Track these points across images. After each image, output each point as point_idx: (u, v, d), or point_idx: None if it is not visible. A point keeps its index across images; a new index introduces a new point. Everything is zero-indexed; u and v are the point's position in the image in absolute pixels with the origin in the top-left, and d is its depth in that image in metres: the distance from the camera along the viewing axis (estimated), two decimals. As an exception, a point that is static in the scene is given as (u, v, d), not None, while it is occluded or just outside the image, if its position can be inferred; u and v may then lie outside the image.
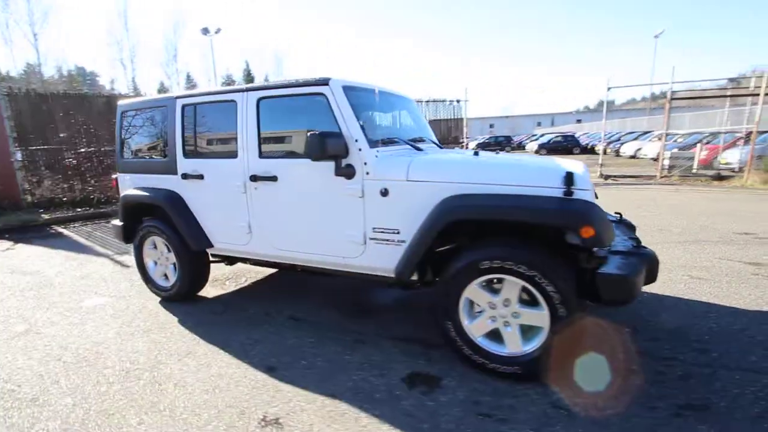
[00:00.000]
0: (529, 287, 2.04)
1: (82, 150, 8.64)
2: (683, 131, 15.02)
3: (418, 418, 1.94)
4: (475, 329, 2.25)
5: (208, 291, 3.72)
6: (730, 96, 11.52)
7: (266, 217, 2.92)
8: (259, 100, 2.84)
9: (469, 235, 2.39)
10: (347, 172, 2.51)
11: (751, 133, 11.26)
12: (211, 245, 3.26)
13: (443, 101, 13.86)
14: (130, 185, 3.60)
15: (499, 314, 2.18)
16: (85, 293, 3.85)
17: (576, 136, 27.08)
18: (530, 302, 2.12)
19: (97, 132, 8.83)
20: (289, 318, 3.12)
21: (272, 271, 4.24)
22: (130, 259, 4.93)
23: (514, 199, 2.07)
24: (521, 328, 2.16)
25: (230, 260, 3.51)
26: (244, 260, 3.37)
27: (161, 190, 3.36)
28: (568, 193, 2.06)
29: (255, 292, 3.74)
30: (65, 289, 3.97)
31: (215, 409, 2.07)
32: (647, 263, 2.10)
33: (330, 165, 2.55)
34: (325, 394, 2.15)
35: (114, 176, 3.84)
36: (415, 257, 2.30)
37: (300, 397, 2.13)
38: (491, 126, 56.25)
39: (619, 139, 23.17)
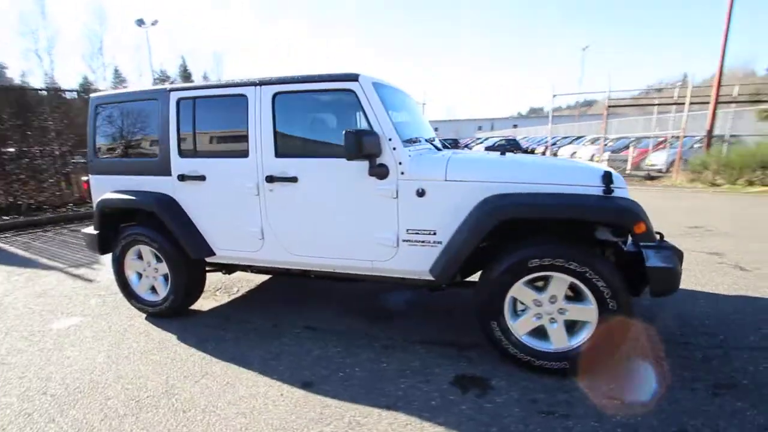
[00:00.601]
0: (578, 283, 2.10)
1: (11, 150, 7.53)
2: (613, 136, 16.60)
3: (482, 421, 1.91)
4: (520, 327, 2.27)
5: (201, 304, 3.39)
6: (658, 104, 12.91)
7: (283, 220, 2.72)
8: (275, 95, 2.64)
9: (499, 236, 2.38)
10: (380, 171, 2.41)
11: (671, 137, 12.71)
12: (212, 253, 2.97)
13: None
14: (107, 188, 3.18)
15: (545, 311, 2.22)
16: (50, 314, 3.33)
17: (517, 139, 28.76)
18: (575, 298, 2.18)
19: (27, 130, 7.74)
20: (305, 328, 2.94)
21: (265, 278, 3.99)
22: (91, 272, 4.41)
23: (570, 198, 2.12)
24: (566, 323, 2.21)
25: (229, 269, 3.23)
26: (247, 268, 3.12)
27: (151, 194, 3.00)
28: (608, 191, 2.15)
29: (254, 303, 3.48)
30: (22, 311, 3.40)
31: (262, 433, 1.87)
32: (678, 256, 2.26)
33: (359, 164, 2.43)
34: (379, 406, 2.04)
35: (85, 178, 3.37)
36: (461, 257, 2.26)
37: (353, 411, 2.00)
38: (436, 129, 57.87)
39: (555, 143, 24.96)
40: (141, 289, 3.23)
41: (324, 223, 2.64)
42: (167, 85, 2.96)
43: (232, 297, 3.60)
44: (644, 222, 2.00)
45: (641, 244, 2.07)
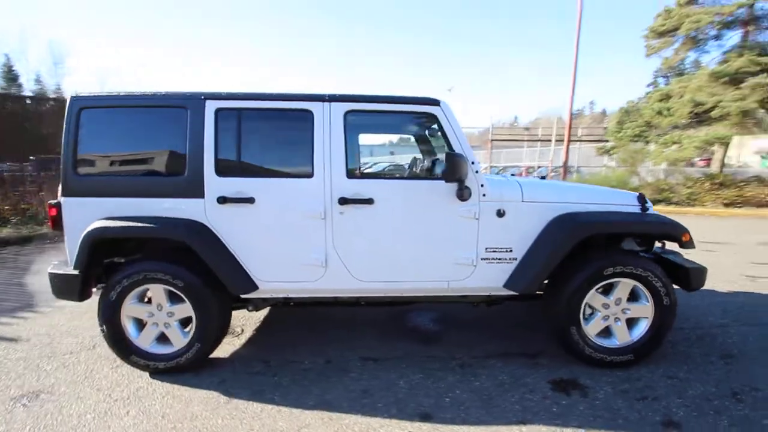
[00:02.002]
0: (640, 285, 2.52)
1: None
2: (502, 164, 19.45)
3: (606, 417, 2.12)
4: (591, 330, 2.58)
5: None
6: (540, 139, 15.65)
7: (354, 245, 2.54)
8: (346, 113, 2.50)
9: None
10: (465, 193, 2.50)
11: (537, 166, 15.51)
12: (255, 287, 2.56)
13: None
14: (93, 214, 2.47)
15: (611, 312, 2.58)
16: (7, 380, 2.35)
17: None
18: (632, 298, 2.60)
19: None
20: (364, 359, 2.74)
21: (262, 313, 3.52)
22: (21, 326, 3.26)
23: (637, 216, 2.55)
24: (627, 321, 2.61)
25: (260, 304, 2.80)
26: (287, 301, 2.77)
27: (178, 220, 2.45)
28: (644, 209, 2.68)
29: (277, 341, 3.06)
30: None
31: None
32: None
33: (442, 186, 2.50)
34: (512, 422, 2.07)
35: (54, 201, 2.55)
36: (548, 270, 2.49)
37: (502, 432, 2.00)
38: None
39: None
40: (145, 340, 2.55)
41: (401, 245, 2.57)
42: (200, 91, 2.51)
43: (244, 338, 3.10)
44: (689, 233, 2.54)
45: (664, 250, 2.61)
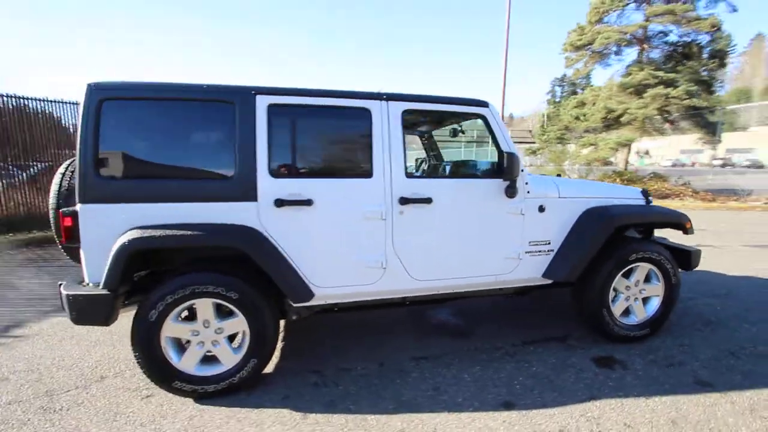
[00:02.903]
0: (654, 268, 2.90)
1: None
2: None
3: (650, 385, 2.40)
4: (617, 310, 2.90)
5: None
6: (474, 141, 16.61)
7: (413, 245, 2.53)
8: (403, 112, 2.49)
9: None
10: (513, 191, 2.64)
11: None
12: (312, 294, 2.42)
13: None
14: (122, 224, 2.14)
15: (631, 294, 2.92)
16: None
17: None
18: (647, 280, 2.97)
19: None
20: (417, 359, 2.74)
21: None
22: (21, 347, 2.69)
23: (653, 208, 2.91)
24: (642, 300, 2.97)
25: (303, 312, 2.65)
26: (332, 307, 2.67)
27: (230, 226, 2.22)
28: (648, 202, 3.08)
29: (314, 350, 2.90)
30: None
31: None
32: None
33: (495, 184, 2.62)
34: (585, 399, 2.26)
35: (68, 209, 2.13)
36: (588, 258, 2.73)
37: (584, 410, 2.16)
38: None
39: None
40: (189, 362, 2.27)
41: (456, 243, 2.62)
42: (249, 84, 2.29)
43: (276, 350, 2.90)
44: (690, 221, 2.98)
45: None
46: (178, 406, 2.23)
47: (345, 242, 2.44)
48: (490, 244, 2.69)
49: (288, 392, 2.36)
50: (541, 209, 2.75)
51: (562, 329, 3.18)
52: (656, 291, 2.97)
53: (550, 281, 2.85)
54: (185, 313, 2.32)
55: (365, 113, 2.43)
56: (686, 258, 3.04)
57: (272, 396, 2.33)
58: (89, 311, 2.12)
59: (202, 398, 2.28)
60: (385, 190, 2.45)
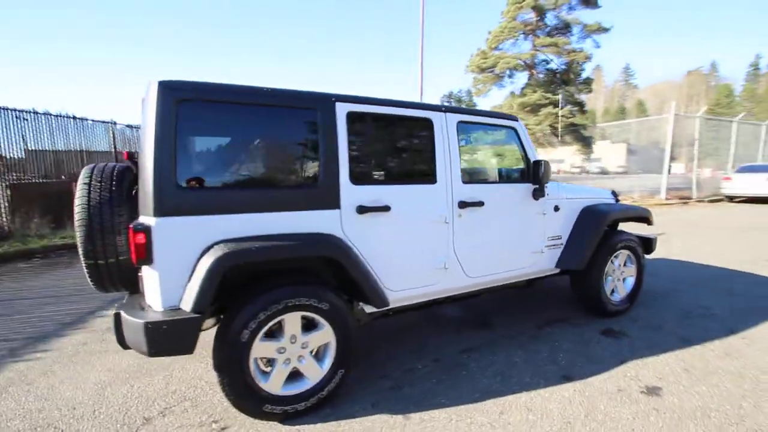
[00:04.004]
0: (630, 254, 3.59)
1: None
2: None
3: (653, 345, 2.99)
4: (608, 290, 3.51)
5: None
6: None
7: (469, 245, 2.75)
8: (458, 123, 2.71)
9: None
10: (540, 194, 3.05)
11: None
12: (388, 299, 2.47)
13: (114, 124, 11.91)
14: (206, 237, 1.94)
15: (616, 276, 3.57)
16: None
17: None
18: (625, 264, 3.65)
19: None
20: (466, 351, 2.95)
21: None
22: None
23: (631, 207, 3.57)
24: (622, 280, 3.64)
25: (361, 317, 2.67)
26: (390, 311, 2.73)
27: (319, 236, 2.16)
28: (617, 200, 3.80)
29: (361, 355, 2.90)
30: None
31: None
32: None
33: (529, 188, 3.00)
34: (618, 363, 2.73)
35: (139, 224, 1.84)
36: (592, 249, 3.26)
37: (624, 372, 2.61)
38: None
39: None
40: (276, 383, 2.13)
41: (500, 242, 2.92)
42: (329, 92, 2.26)
43: (324, 363, 2.82)
44: (651, 215, 3.74)
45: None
46: (267, 431, 2.08)
47: (416, 246, 2.54)
48: (523, 241, 3.05)
49: (373, 399, 2.37)
50: (556, 209, 3.22)
51: (560, 312, 3.69)
52: (631, 272, 3.67)
53: (558, 270, 3.33)
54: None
55: (428, 123, 2.59)
56: (649, 244, 3.82)
57: (359, 405, 2.31)
58: (174, 339, 1.87)
59: (289, 419, 2.16)
60: (447, 195, 2.63)
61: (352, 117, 2.32)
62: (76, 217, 2.08)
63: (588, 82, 17.10)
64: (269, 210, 2.09)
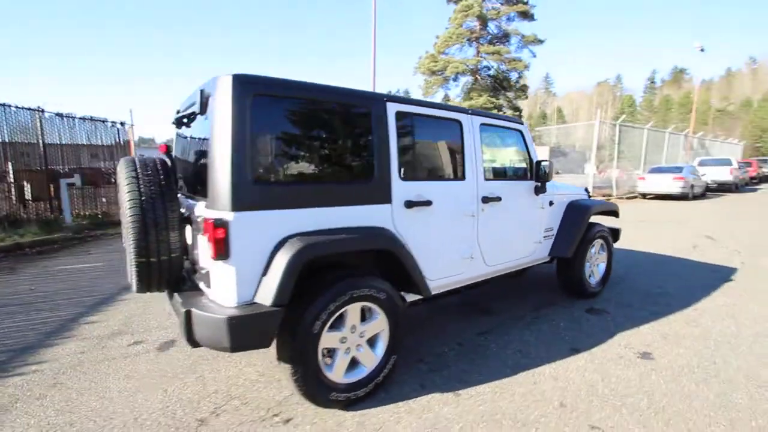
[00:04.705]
0: (603, 243, 4.12)
1: None
2: None
3: (632, 320, 3.51)
4: (587, 274, 4.00)
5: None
6: None
7: (489, 237, 3.01)
8: (480, 125, 2.95)
9: None
10: (542, 190, 3.42)
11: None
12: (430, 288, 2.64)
13: (104, 121, 10.83)
14: (279, 231, 1.97)
15: (593, 262, 4.07)
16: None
17: None
18: (598, 251, 4.18)
19: None
20: (484, 334, 3.22)
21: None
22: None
23: (603, 202, 4.08)
24: (597, 265, 4.17)
25: None
26: (415, 302, 2.91)
27: (376, 228, 2.27)
28: (589, 196, 4.34)
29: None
30: None
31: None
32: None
33: (529, 184, 3.35)
34: (610, 335, 3.17)
35: (216, 218, 1.81)
36: (578, 240, 3.70)
37: (619, 340, 3.04)
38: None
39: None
40: (339, 372, 2.20)
41: (512, 233, 3.23)
42: (379, 92, 2.36)
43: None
44: (618, 209, 4.31)
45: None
46: (331, 418, 2.15)
47: (449, 238, 2.74)
48: (527, 232, 3.40)
49: (419, 381, 2.53)
50: (551, 203, 3.61)
51: (546, 297, 4.13)
52: (604, 258, 4.21)
53: (549, 258, 3.74)
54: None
55: (459, 124, 2.79)
56: (616, 234, 4.41)
57: (409, 387, 2.46)
58: (256, 333, 1.87)
59: (350, 405, 2.24)
60: (474, 191, 2.86)
61: (399, 116, 2.45)
62: (128, 212, 1.97)
63: (524, 88, 18.60)
64: (331, 204, 2.16)
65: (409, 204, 2.46)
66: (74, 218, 8.87)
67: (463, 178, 2.81)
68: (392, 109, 2.42)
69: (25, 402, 2.35)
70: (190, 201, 2.30)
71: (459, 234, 2.80)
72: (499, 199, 3.04)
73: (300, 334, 2.00)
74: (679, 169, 14.56)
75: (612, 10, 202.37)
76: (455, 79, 19.45)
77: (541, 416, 2.18)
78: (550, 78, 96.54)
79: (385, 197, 2.36)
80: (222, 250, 1.83)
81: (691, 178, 14.45)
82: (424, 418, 2.16)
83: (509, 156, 3.51)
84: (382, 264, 2.46)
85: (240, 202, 1.86)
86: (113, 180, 10.36)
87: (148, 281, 2.09)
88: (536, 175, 3.32)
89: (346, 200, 2.22)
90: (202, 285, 2.14)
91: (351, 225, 2.22)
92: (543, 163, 3.26)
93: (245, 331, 1.84)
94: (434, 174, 2.77)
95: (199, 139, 2.22)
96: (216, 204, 1.88)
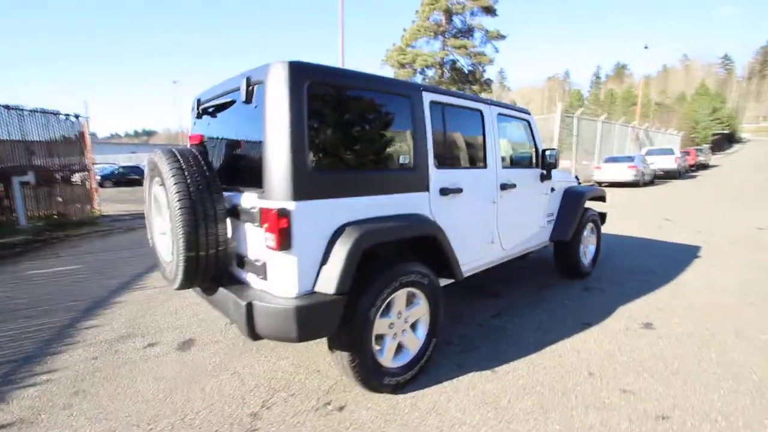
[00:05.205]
0: (593, 226, 4.42)
1: None
2: None
3: (624, 294, 3.81)
4: (581, 257, 4.28)
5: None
6: None
7: (506, 223, 3.15)
8: (497, 115, 3.07)
9: None
10: (547, 177, 3.61)
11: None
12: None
13: (56, 114, 9.98)
14: (335, 219, 1.98)
15: (585, 244, 4.35)
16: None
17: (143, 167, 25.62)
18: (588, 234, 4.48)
19: None
20: (498, 315, 3.37)
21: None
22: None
23: (594, 188, 4.35)
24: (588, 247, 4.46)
25: None
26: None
27: (420, 216, 2.32)
28: (579, 183, 4.63)
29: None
30: None
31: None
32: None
33: (536, 172, 3.53)
34: (612, 308, 3.43)
35: (279, 207, 1.78)
36: (576, 225, 3.95)
37: (625, 312, 3.30)
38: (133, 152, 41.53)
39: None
40: (389, 356, 2.25)
41: (524, 218, 3.39)
42: (416, 82, 2.40)
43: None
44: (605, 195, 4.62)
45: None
46: (384, 402, 2.20)
47: (476, 224, 2.85)
48: (535, 218, 3.58)
49: (455, 361, 2.63)
50: (552, 190, 3.83)
51: (543, 279, 4.37)
52: (593, 240, 4.52)
53: (549, 242, 3.97)
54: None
55: (480, 114, 2.89)
56: (604, 218, 4.73)
57: (448, 368, 2.55)
58: (323, 321, 1.88)
59: (399, 388, 2.30)
60: (494, 179, 2.98)
61: (432, 105, 2.50)
62: (178, 205, 1.88)
63: (488, 82, 19.20)
64: (379, 193, 2.19)
65: (444, 191, 2.53)
66: (29, 219, 8.15)
67: (485, 166, 2.92)
68: (427, 98, 2.47)
69: (50, 413, 2.20)
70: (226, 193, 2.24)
71: (483, 220, 2.92)
72: (514, 186, 3.18)
73: (358, 321, 2.03)
74: (631, 159, 15.68)
75: (563, 8, 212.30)
76: (422, 72, 19.67)
77: (576, 385, 2.36)
78: (504, 73, 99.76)
79: (424, 185, 2.42)
80: (285, 241, 1.82)
81: (642, 167, 15.63)
82: (471, 395, 2.27)
83: (518, 145, 3.67)
84: (419, 251, 2.51)
85: (300, 191, 1.85)
86: (71, 178, 9.63)
87: (194, 276, 2.02)
88: (542, 162, 3.50)
89: (392, 188, 2.25)
90: (249, 277, 2.10)
91: (395, 213, 2.26)
92: (548, 152, 3.44)
93: (312, 320, 1.85)
94: (463, 162, 2.85)
95: (240, 128, 2.16)
96: (274, 194, 1.85)
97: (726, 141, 53.10)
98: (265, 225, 1.85)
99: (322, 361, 2.66)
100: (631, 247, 5.73)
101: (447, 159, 2.64)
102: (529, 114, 3.55)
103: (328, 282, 1.89)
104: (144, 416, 2.14)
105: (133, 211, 10.99)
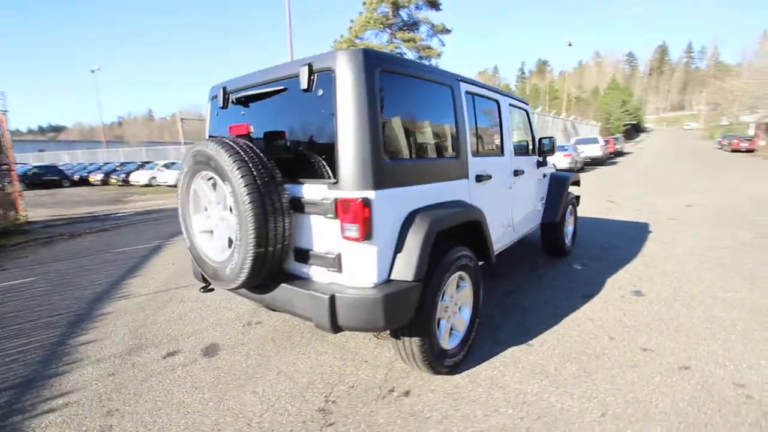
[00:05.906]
0: (572, 208, 4.83)
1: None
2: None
3: (608, 269, 4.24)
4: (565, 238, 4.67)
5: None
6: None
7: (517, 207, 3.35)
8: (508, 104, 3.24)
9: None
10: (543, 164, 3.88)
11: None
12: (491, 255, 2.88)
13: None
14: (404, 207, 2.01)
15: (567, 224, 4.75)
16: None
17: (61, 167, 22.62)
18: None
19: None
20: (509, 293, 3.59)
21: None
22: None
23: (574, 175, 4.74)
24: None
25: None
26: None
27: (466, 203, 2.41)
28: (557, 169, 5.03)
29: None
30: None
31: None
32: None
33: (533, 159, 3.79)
34: (602, 278, 3.81)
35: (359, 196, 1.75)
36: (564, 207, 4.29)
37: (614, 283, 3.68)
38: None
39: (115, 170, 22.45)
40: (446, 338, 2.33)
41: (528, 202, 3.63)
42: (454, 73, 2.46)
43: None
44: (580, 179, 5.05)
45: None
46: (445, 383, 2.29)
47: (500, 209, 3.01)
48: (533, 202, 3.84)
49: (491, 339, 2.78)
50: (544, 176, 4.12)
51: (530, 259, 4.70)
52: (572, 222, 4.94)
53: (540, 224, 4.29)
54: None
55: (498, 104, 3.04)
56: (578, 201, 5.17)
57: (488, 346, 2.69)
58: (405, 308, 1.91)
59: (455, 369, 2.39)
60: (509, 166, 3.16)
61: (467, 95, 2.59)
62: (247, 199, 1.78)
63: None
64: (434, 180, 2.24)
65: (479, 178, 2.65)
66: (-59, 230, 6.96)
67: (502, 153, 3.08)
68: (463, 88, 2.55)
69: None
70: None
71: (503, 204, 3.09)
72: (523, 172, 3.40)
73: (427, 306, 2.07)
74: (565, 148, 17.12)
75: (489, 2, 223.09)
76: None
77: (604, 348, 2.62)
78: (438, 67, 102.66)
79: (465, 172, 2.51)
80: (368, 230, 1.81)
81: (575, 155, 17.14)
82: (521, 368, 2.43)
83: (518, 132, 3.89)
84: (461, 236, 2.60)
85: (378, 180, 1.84)
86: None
87: (259, 273, 1.93)
88: (539, 150, 3.76)
89: (442, 176, 2.31)
90: (313, 271, 2.04)
91: (444, 200, 2.32)
92: (545, 140, 3.70)
93: (396, 308, 1.86)
94: (490, 150, 2.98)
95: (293, 117, 2.08)
96: (350, 184, 1.83)
97: (634, 131, 59.76)
98: (344, 216, 1.82)
99: (364, 352, 2.67)
100: (592, 227, 6.33)
101: (479, 147, 2.76)
102: (528, 104, 3.79)
103: (406, 269, 1.92)
104: (200, 428, 2.01)
105: (66, 216, 9.82)
